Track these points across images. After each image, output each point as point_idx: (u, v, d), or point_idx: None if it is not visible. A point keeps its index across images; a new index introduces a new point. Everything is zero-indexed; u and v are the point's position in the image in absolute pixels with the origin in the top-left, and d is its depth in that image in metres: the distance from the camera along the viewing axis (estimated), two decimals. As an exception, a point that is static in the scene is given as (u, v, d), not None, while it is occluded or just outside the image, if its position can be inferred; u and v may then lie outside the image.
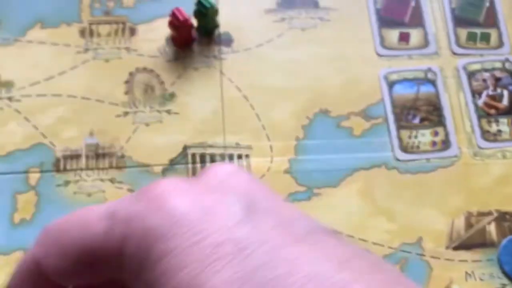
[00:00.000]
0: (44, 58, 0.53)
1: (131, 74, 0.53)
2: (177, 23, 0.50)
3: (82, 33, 0.54)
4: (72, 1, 0.55)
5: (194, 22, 0.53)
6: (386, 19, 0.57)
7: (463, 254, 0.48)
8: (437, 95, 0.54)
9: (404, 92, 0.54)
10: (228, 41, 0.54)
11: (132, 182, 0.49)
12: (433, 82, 0.54)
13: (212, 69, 0.53)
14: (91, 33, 0.54)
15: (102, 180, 0.49)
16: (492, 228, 0.49)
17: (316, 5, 0.57)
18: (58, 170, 0.49)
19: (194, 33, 0.53)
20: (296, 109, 0.52)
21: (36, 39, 0.53)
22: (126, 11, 0.55)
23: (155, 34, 0.54)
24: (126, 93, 0.52)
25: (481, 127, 0.53)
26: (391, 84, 0.54)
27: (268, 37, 0.55)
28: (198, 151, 0.50)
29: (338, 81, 0.54)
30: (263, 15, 0.56)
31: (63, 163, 0.49)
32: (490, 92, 0.55)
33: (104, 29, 0.54)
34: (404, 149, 0.52)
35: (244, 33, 0.55)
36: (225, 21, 0.55)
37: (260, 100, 0.52)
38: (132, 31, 0.54)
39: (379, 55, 0.55)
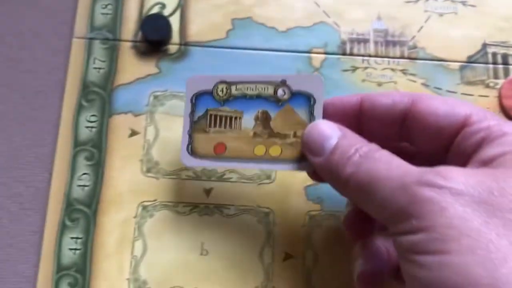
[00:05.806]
0: None
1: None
2: None
3: None
4: None
5: None
6: None
7: None
8: None
9: None
10: None
11: (426, 75, 0.43)
12: None
13: (510, -38, 0.46)
14: None
15: (393, 70, 0.43)
16: None
17: None
18: (344, 54, 0.44)
19: None
20: None
21: None
22: None
23: None
24: (416, -23, 0.46)
25: None
26: None
27: None
28: (500, 50, 0.44)
29: None
30: None
31: (349, 47, 0.44)
32: None
33: None
34: None
35: None
36: None
37: None
38: None
39: None
